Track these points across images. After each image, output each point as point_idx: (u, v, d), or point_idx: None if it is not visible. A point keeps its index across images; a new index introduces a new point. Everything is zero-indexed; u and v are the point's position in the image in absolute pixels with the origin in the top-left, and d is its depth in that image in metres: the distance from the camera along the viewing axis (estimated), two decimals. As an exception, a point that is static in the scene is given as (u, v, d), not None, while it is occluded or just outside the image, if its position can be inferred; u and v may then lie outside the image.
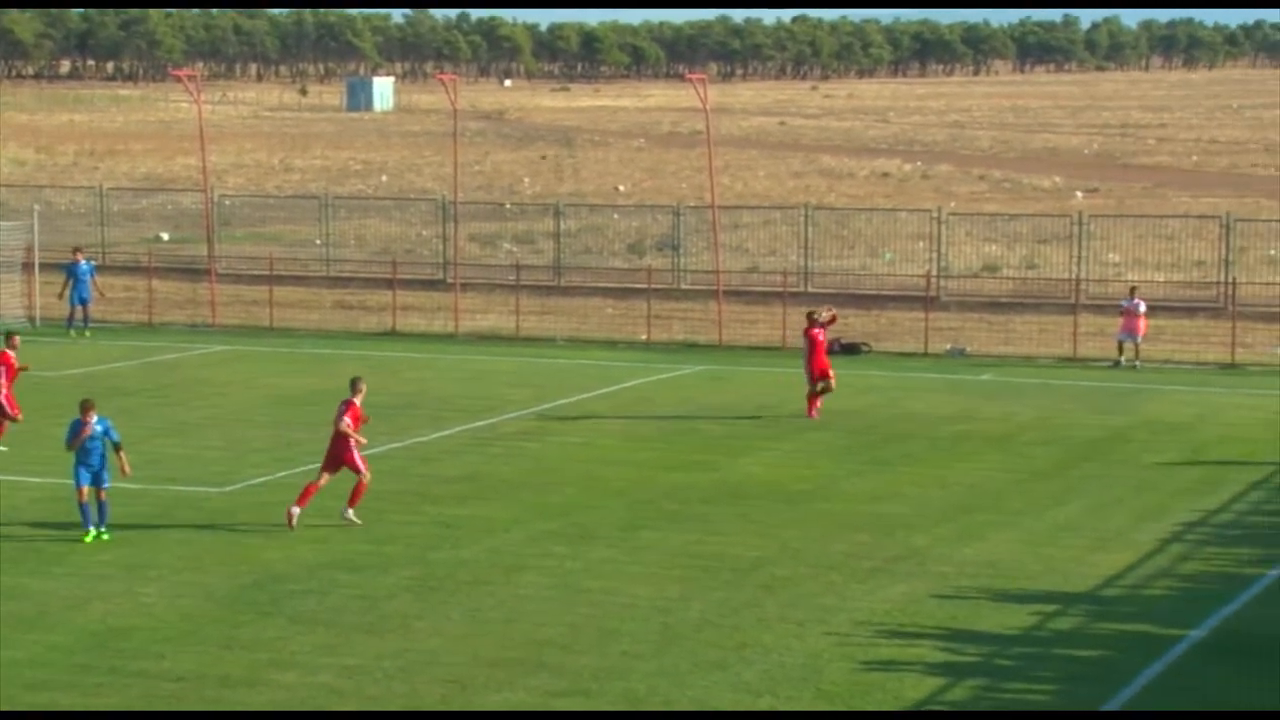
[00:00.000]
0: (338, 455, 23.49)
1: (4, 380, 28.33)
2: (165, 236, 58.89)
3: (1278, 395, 33.87)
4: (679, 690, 17.22)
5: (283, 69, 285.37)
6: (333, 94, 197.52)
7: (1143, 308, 37.26)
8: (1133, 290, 37.98)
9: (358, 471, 23.43)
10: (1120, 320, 37.71)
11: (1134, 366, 36.99)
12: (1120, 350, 37.35)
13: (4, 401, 28.27)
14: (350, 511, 23.44)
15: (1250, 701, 16.55)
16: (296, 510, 23.30)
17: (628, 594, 20.38)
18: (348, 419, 23.43)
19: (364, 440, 23.90)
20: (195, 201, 59.56)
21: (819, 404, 31.22)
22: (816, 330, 31.11)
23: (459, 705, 16.84)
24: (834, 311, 32.47)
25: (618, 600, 20.07)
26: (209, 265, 47.61)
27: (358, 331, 43.45)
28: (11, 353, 28.76)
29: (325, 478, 23.59)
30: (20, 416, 28.28)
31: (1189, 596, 20.32)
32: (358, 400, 23.74)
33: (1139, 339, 37.25)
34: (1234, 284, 41.31)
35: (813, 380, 31.22)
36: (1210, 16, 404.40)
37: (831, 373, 31.28)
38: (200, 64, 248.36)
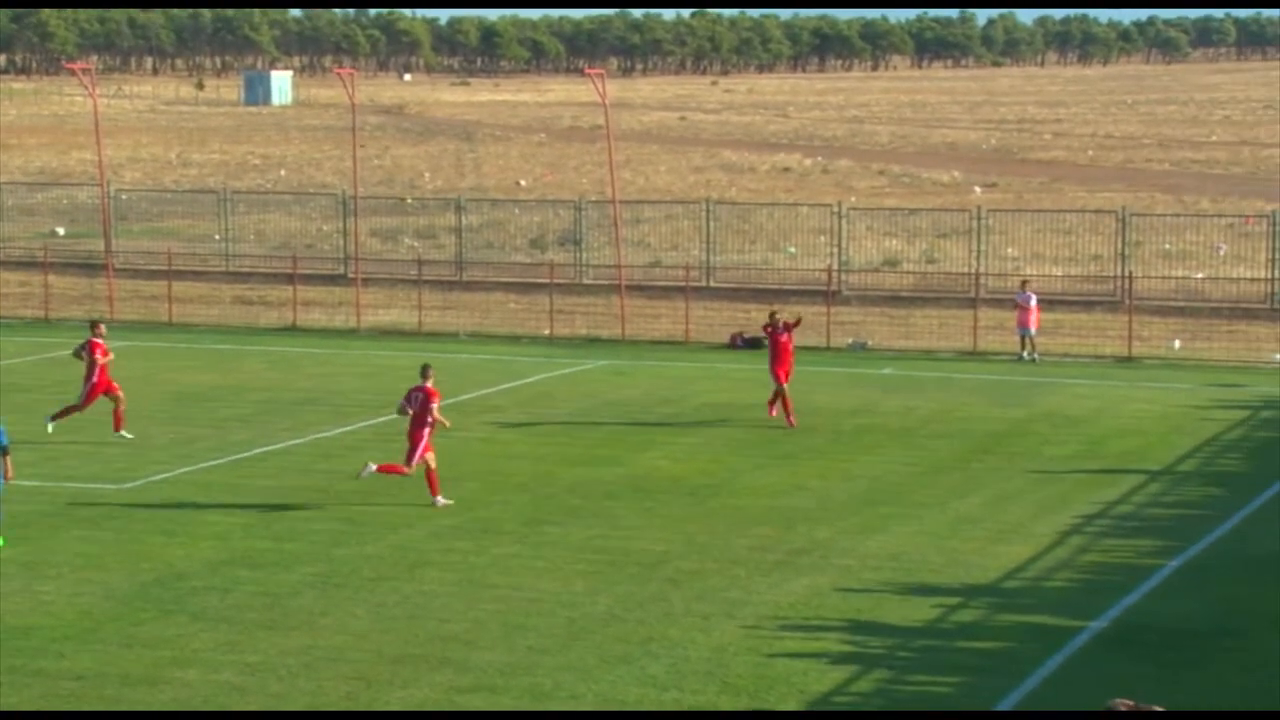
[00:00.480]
0: (416, 437, 24.05)
1: (97, 369, 28.50)
2: (61, 231, 58.06)
3: (1173, 388, 34.38)
4: (585, 685, 17.20)
5: (179, 63, 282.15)
6: (230, 88, 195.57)
7: (1034, 301, 37.67)
8: (1024, 284, 38.39)
9: (410, 461, 24.02)
10: (1015, 315, 38.12)
11: (1033, 360, 37.40)
12: (1022, 345, 37.75)
13: (92, 390, 28.54)
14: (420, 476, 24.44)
15: (1151, 692, 16.76)
16: (441, 501, 24.13)
17: (532, 589, 20.34)
18: (436, 404, 24.04)
19: (448, 424, 24.67)
20: (91, 196, 58.76)
21: (790, 406, 30.14)
22: (782, 335, 30.11)
23: (363, 702, 16.72)
24: (799, 316, 31.47)
25: (522, 595, 20.02)
26: (106, 260, 47.01)
27: (258, 327, 43.07)
28: (100, 341, 28.95)
29: (431, 458, 24.22)
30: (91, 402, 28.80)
31: (1089, 588, 20.55)
32: (430, 383, 24.29)
33: (1033, 332, 37.66)
34: (1130, 278, 41.87)
35: (779, 383, 30.15)
36: (1105, 15, 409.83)
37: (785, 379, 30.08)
38: (94, 57, 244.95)
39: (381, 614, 19.45)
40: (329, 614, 19.39)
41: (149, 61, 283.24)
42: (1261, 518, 24.04)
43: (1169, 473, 26.85)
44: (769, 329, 30.43)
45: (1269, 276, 43.40)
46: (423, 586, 20.47)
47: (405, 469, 24.21)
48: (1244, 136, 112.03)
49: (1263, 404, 32.58)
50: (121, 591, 20.30)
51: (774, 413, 30.34)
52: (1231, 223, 53.42)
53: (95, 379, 28.57)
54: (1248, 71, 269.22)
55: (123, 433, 28.55)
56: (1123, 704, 11.64)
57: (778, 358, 30.09)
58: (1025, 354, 37.64)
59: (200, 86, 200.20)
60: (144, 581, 20.65)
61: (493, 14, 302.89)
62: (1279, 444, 29.02)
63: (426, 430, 23.99)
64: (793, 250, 49.84)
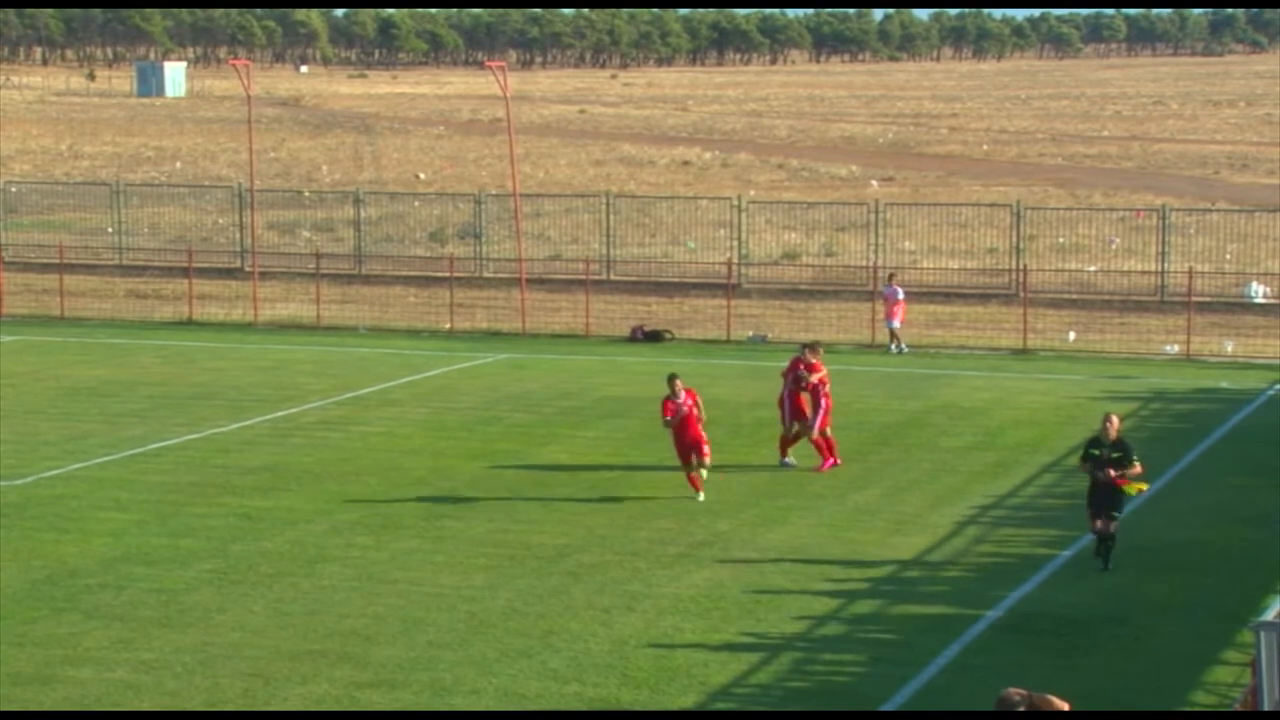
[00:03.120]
0: (688, 439, 24.23)
1: (823, 394, 26.50)
2: (-52, 224, 57.03)
3: (1068, 379, 34.82)
4: (485, 679, 17.15)
5: (69, 53, 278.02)
6: (122, 79, 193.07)
7: (900, 294, 37.97)
8: (890, 277, 38.69)
9: (702, 454, 24.31)
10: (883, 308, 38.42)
11: (901, 351, 37.64)
12: (891, 337, 38.05)
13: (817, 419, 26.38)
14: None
15: (1046, 679, 16.96)
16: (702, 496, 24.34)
17: (433, 584, 20.25)
18: (687, 400, 24.23)
19: (706, 418, 24.63)
20: (-20, 188, 57.74)
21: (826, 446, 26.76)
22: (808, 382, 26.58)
23: (261, 699, 16.57)
24: (820, 376, 26.75)
25: (422, 590, 19.93)
26: (-5, 253, 46.26)
27: (153, 321, 42.57)
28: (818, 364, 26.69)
29: (694, 459, 24.38)
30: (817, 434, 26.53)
31: (985, 578, 20.77)
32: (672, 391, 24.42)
33: (896, 325, 37.92)
34: (1025, 271, 42.34)
35: (787, 421, 26.81)
36: (999, 11, 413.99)
37: (808, 416, 26.57)
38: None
39: (280, 610, 19.28)
40: (226, 610, 19.20)
41: (38, 51, 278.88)
42: (1150, 508, 24.38)
43: (1062, 464, 27.17)
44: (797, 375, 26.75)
45: (1159, 269, 44.05)
46: (322, 582, 20.32)
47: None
48: (1135, 131, 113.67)
49: (1153, 395, 33.06)
50: (13, 589, 19.99)
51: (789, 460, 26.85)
52: (1123, 216, 54.19)
53: None
54: (1138, 67, 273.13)
55: None
56: (1016, 693, 11.74)
57: (793, 394, 26.68)
58: (893, 347, 37.90)
59: (91, 77, 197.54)
60: (35, 579, 20.35)
61: (395, 11, 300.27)
62: (1168, 435, 29.46)
63: (698, 427, 24.36)
64: (693, 245, 49.95)
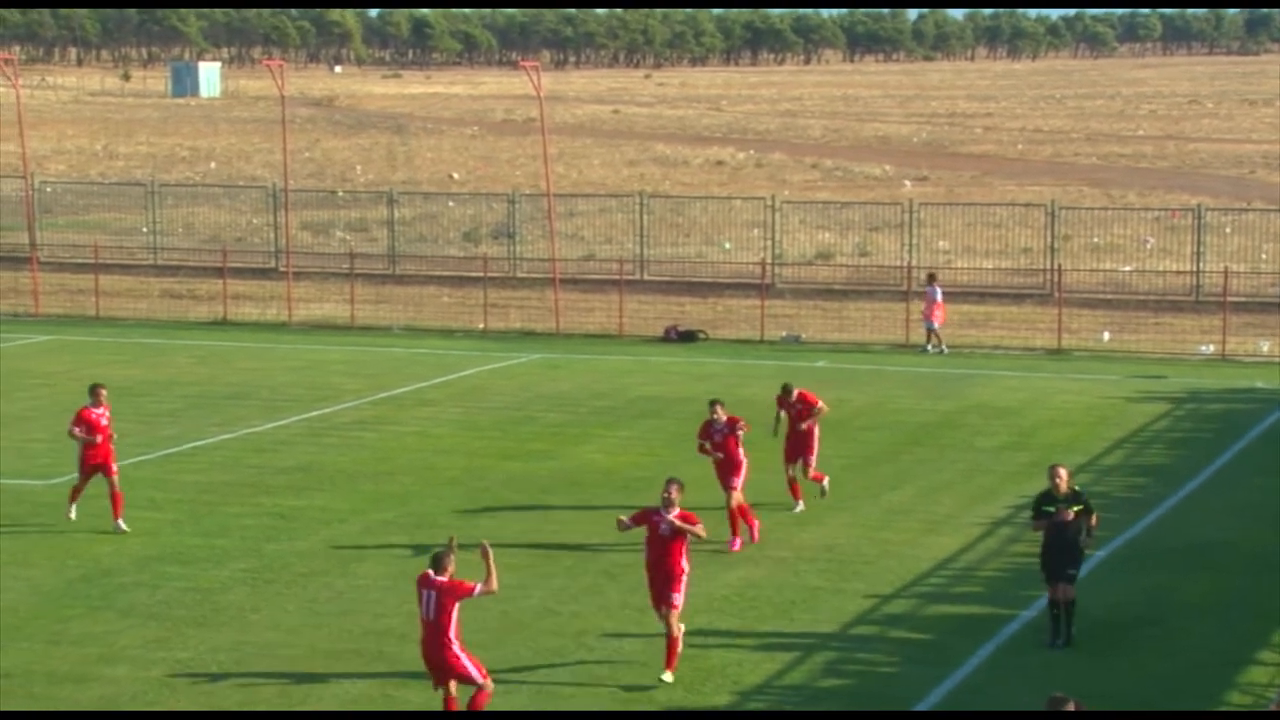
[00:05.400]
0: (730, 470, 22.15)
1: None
2: (-15, 224, 57.35)
3: (1102, 380, 34.68)
4: (519, 678, 17.16)
5: (104, 53, 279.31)
6: (157, 79, 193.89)
7: (939, 295, 37.87)
8: (930, 277, 38.57)
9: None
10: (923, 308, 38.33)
11: (940, 352, 37.55)
12: (928, 338, 37.95)
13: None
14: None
15: (1080, 680, 16.91)
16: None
17: (466, 583, 20.23)
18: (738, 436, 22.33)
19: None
20: (15, 189, 58.04)
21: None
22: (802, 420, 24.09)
23: (296, 698, 16.62)
24: (813, 420, 24.14)
25: (456, 590, 19.92)
26: (31, 254, 46.49)
27: (188, 321, 42.74)
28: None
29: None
30: None
31: (1018, 578, 20.68)
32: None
33: (935, 325, 37.83)
34: (1059, 271, 42.19)
35: (789, 461, 24.16)
36: (1034, 10, 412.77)
37: (812, 458, 24.14)
38: (17, 47, 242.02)
39: (314, 609, 19.34)
40: (260, 610, 19.27)
41: (73, 52, 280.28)
42: (1185, 508, 24.29)
43: (1096, 463, 27.08)
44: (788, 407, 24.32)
45: (1194, 269, 43.84)
46: (356, 581, 20.37)
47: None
48: (1170, 130, 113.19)
49: (1187, 395, 32.91)
50: (48, 588, 20.10)
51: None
52: (1158, 216, 53.94)
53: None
54: (1173, 66, 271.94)
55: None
56: (1070, 703, 11.86)
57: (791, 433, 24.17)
58: (930, 347, 37.80)
59: (126, 78, 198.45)
60: (71, 578, 20.45)
61: (429, 11, 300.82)
62: (1202, 435, 29.33)
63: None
64: (729, 245, 49.91)
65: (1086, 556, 18.95)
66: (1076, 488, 18.12)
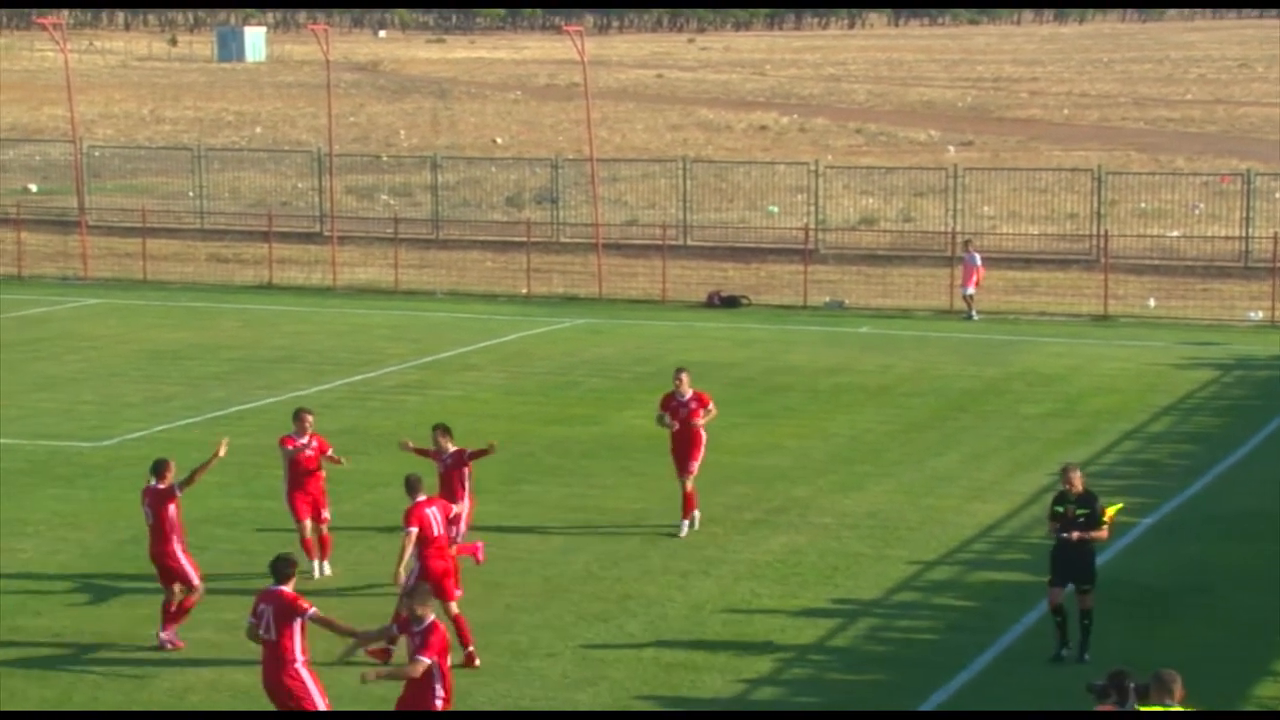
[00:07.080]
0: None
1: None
2: (33, 188, 57.69)
3: (1149, 346, 34.50)
4: (562, 642, 17.24)
5: (150, 18, 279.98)
6: (203, 44, 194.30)
7: (979, 260, 37.67)
8: (967, 243, 38.37)
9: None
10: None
11: (970, 319, 37.33)
12: (969, 306, 37.78)
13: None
14: None
15: (1126, 648, 16.87)
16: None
17: (510, 547, 20.35)
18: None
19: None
20: (64, 153, 58.38)
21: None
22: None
23: (340, 658, 16.69)
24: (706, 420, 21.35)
25: (500, 554, 20.03)
26: (79, 217, 46.78)
27: (233, 285, 42.93)
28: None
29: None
30: None
31: (1064, 544, 20.61)
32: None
33: (970, 292, 37.62)
34: (1105, 237, 41.94)
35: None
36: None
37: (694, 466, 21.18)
38: (65, 11, 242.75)
39: (359, 572, 19.46)
40: (306, 572, 19.36)
41: (120, 16, 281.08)
42: (1232, 476, 24.17)
43: (1143, 431, 26.96)
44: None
45: (1243, 235, 43.50)
46: (399, 543, 20.40)
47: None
48: (1219, 95, 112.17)
49: (1235, 362, 32.70)
50: (98, 550, 20.28)
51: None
52: (1206, 181, 53.50)
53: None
54: (1223, 29, 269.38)
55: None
56: (1130, 679, 12.04)
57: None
58: (975, 314, 37.59)
59: (173, 42, 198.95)
60: (120, 539, 20.63)
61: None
62: (1250, 402, 29.16)
63: None
64: (774, 209, 49.79)
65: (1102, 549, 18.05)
66: (1089, 490, 17.23)
